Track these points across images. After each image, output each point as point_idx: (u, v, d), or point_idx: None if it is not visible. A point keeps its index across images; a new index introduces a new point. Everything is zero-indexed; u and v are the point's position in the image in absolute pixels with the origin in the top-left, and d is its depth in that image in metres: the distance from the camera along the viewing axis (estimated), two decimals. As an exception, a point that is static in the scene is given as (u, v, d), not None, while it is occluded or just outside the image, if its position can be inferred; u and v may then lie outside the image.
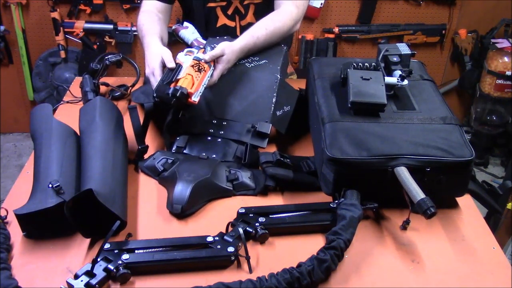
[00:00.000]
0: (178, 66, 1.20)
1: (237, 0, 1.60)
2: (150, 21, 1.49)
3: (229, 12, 1.61)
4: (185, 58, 1.24)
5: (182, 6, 1.69)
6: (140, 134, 1.20)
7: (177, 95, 1.13)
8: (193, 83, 1.17)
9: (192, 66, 1.21)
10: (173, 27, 1.47)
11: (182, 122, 1.26)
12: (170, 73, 1.20)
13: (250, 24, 1.53)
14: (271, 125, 1.23)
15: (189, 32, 1.42)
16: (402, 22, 2.98)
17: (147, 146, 1.21)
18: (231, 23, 1.63)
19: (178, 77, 1.17)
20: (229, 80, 1.32)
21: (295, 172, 1.15)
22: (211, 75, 1.24)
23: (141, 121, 1.24)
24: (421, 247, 1.00)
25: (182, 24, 1.47)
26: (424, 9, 2.95)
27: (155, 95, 1.18)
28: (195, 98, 1.16)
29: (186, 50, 1.29)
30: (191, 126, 1.27)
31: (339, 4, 2.92)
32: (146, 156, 1.22)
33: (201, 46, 1.35)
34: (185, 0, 1.63)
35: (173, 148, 1.23)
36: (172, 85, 1.16)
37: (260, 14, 1.54)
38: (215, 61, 1.27)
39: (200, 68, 1.21)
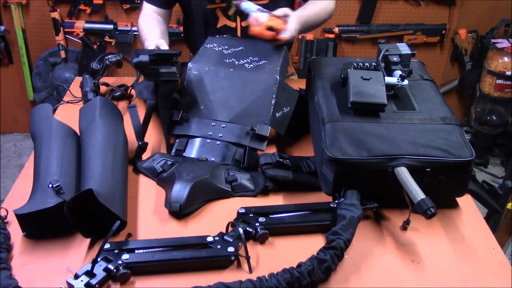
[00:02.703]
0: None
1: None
2: (150, 25, 1.53)
3: (230, 13, 1.61)
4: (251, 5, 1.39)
5: (181, 8, 1.70)
6: (140, 131, 1.20)
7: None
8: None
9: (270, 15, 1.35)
10: (235, 2, 1.51)
11: (181, 125, 1.26)
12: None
13: None
14: (270, 127, 1.23)
15: (250, 4, 1.44)
16: (402, 22, 2.98)
17: (147, 143, 1.21)
18: (231, 24, 1.63)
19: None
20: (228, 81, 1.31)
21: (294, 172, 1.15)
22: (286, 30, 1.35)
23: (143, 117, 1.24)
24: (421, 247, 1.00)
25: None
26: (424, 9, 2.96)
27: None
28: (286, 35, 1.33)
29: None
30: (190, 128, 1.26)
31: (339, 4, 2.90)
32: (146, 156, 1.22)
33: (265, 11, 1.40)
34: (184, 1, 1.64)
35: (173, 151, 1.23)
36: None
37: None
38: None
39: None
